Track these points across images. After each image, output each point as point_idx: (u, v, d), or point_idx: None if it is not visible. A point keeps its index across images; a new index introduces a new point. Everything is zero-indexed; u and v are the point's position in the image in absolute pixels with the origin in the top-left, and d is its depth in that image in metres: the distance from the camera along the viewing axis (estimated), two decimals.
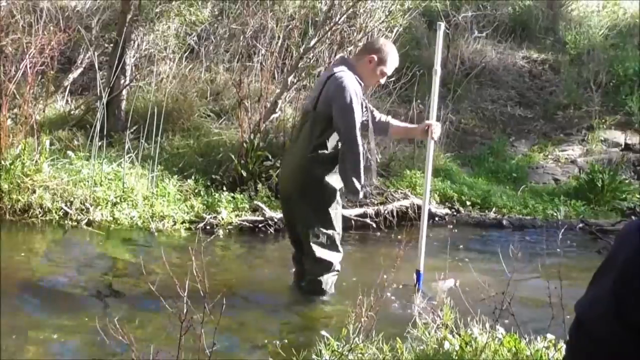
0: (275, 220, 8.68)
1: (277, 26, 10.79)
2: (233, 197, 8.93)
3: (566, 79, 15.10)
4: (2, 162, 8.30)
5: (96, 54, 10.66)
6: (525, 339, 4.21)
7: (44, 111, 10.13)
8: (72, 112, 10.75)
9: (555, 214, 10.21)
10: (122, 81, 10.32)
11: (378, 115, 6.40)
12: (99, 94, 9.57)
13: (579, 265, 8.12)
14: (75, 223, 8.10)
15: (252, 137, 9.29)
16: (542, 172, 12.47)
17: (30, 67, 9.10)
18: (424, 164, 9.44)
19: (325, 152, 5.87)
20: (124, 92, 10.48)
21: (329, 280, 6.13)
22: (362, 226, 9.18)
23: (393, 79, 10.58)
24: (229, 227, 8.51)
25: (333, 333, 4.47)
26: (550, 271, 7.26)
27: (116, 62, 9.97)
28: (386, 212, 9.39)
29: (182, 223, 8.33)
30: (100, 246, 7.63)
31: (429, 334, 4.42)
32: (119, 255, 7.33)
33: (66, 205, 8.25)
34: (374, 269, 6.55)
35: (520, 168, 12.26)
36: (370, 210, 9.34)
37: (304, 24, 10.77)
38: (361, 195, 5.99)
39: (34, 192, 8.20)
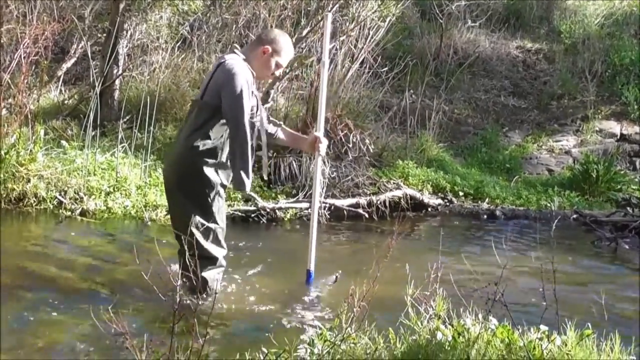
0: (268, 210, 8.72)
1: (269, 16, 10.77)
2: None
3: (561, 68, 15.10)
4: None
5: (89, 43, 10.64)
6: (518, 329, 4.22)
7: (38, 101, 10.11)
8: (65, 102, 10.75)
9: (548, 205, 10.22)
10: (115, 71, 10.31)
11: (269, 119, 6.18)
12: (92, 83, 9.57)
13: (572, 256, 8.14)
14: (69, 212, 8.11)
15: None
16: (536, 163, 12.49)
17: (24, 57, 9.09)
18: (417, 156, 9.43)
19: (208, 142, 5.60)
20: (117, 81, 10.48)
21: (215, 277, 5.79)
22: (355, 216, 9.20)
23: (385, 69, 10.56)
24: None
25: (326, 323, 4.47)
26: (543, 262, 7.27)
27: (109, 52, 9.96)
28: (378, 202, 9.41)
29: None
30: (94, 235, 7.63)
31: (422, 324, 4.42)
32: (112, 245, 7.33)
33: (60, 195, 8.26)
34: (366, 259, 6.56)
35: (514, 158, 12.28)
36: (363, 201, 9.35)
37: (296, 14, 10.76)
38: (248, 189, 5.68)
39: (29, 181, 8.22)
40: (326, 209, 9.08)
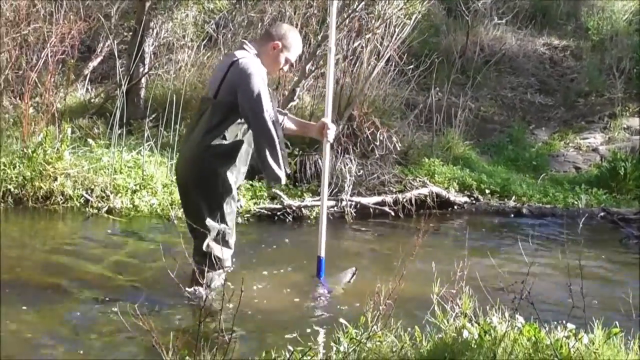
0: (294, 208, 8.71)
1: (295, 14, 10.76)
2: (251, 185, 8.95)
3: (588, 65, 14.99)
4: (25, 150, 8.39)
5: (115, 42, 10.69)
6: (545, 328, 4.19)
7: (64, 99, 10.19)
8: (92, 101, 10.82)
9: (576, 203, 10.14)
10: (141, 69, 10.35)
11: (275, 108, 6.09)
12: (118, 82, 9.61)
13: (600, 254, 8.08)
14: (96, 210, 8.17)
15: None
16: (563, 160, 12.41)
17: (51, 56, 9.17)
18: (443, 153, 9.37)
19: (224, 142, 5.59)
20: (143, 80, 10.53)
21: (215, 276, 5.75)
22: (381, 214, 9.19)
23: (411, 66, 10.53)
24: (247, 215, 8.53)
25: (351, 321, 4.46)
26: (570, 260, 7.22)
27: (135, 50, 10.02)
28: (405, 200, 9.38)
29: None
30: (119, 234, 7.67)
31: (448, 323, 4.40)
32: (138, 243, 7.36)
33: (87, 193, 8.31)
34: (392, 257, 6.55)
35: (541, 156, 12.21)
36: (389, 199, 9.32)
37: (322, 12, 10.74)
38: (283, 180, 5.69)
39: (56, 179, 8.28)
40: (352, 207, 9.07)
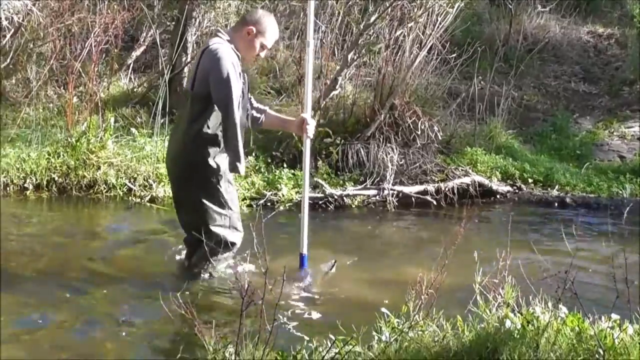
0: (336, 197, 8.70)
1: (337, 3, 10.74)
2: (293, 174, 8.95)
3: (633, 53, 14.81)
4: (69, 139, 8.48)
5: (158, 32, 10.75)
6: (588, 318, 4.15)
7: (108, 89, 10.27)
8: (135, 90, 10.88)
9: (620, 192, 10.03)
10: (184, 59, 10.38)
11: (254, 102, 6.15)
12: (161, 71, 9.66)
13: None
14: (139, 199, 8.24)
15: (312, 114, 9.28)
16: (607, 149, 12.26)
17: (95, 46, 9.25)
18: (486, 142, 9.28)
19: (207, 132, 5.60)
20: (186, 69, 10.55)
21: (222, 260, 5.88)
22: (423, 203, 9.14)
23: (454, 55, 10.47)
24: (289, 204, 8.54)
25: (393, 310, 4.45)
26: (614, 250, 7.15)
27: (178, 40, 10.06)
28: (447, 189, 9.33)
29: (243, 200, 8.36)
30: (162, 222, 7.72)
31: (490, 312, 4.38)
32: (180, 232, 7.39)
33: (130, 182, 8.38)
34: (434, 245, 6.53)
35: (585, 145, 12.08)
36: (431, 188, 9.28)
37: (364, 0, 10.71)
38: (242, 171, 5.66)
39: (99, 168, 8.37)
40: (394, 196, 9.05)
